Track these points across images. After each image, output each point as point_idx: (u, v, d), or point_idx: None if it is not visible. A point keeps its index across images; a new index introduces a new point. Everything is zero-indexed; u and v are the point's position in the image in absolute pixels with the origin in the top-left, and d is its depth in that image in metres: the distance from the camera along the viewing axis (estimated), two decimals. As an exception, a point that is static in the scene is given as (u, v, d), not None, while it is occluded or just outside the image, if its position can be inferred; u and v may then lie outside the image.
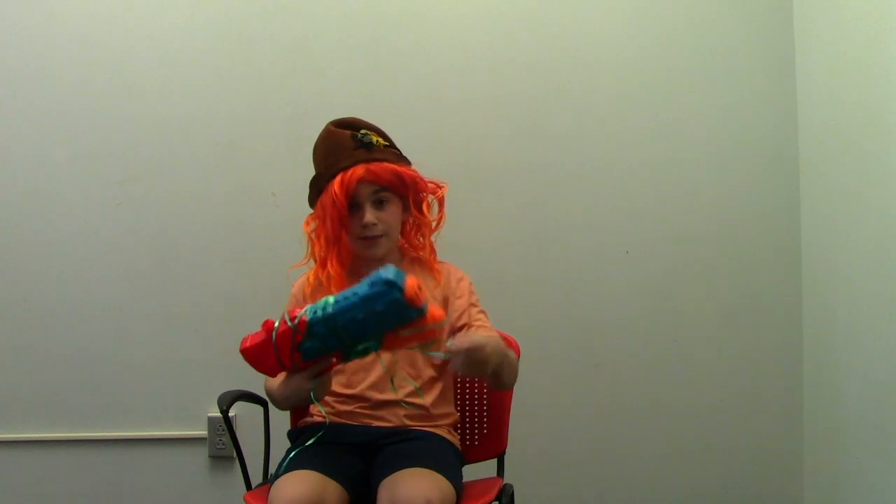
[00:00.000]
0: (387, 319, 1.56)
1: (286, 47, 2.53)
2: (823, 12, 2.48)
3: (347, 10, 2.54)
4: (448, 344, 1.64)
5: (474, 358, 1.65)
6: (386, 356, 1.88)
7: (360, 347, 1.61)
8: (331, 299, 1.59)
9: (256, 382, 2.17)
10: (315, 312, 1.58)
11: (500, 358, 1.75)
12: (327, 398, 1.90)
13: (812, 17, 2.52)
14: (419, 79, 2.54)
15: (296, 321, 1.58)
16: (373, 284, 1.54)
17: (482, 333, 1.86)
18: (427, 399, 1.95)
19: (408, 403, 1.92)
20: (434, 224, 2.04)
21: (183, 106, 2.51)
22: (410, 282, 1.55)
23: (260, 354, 1.63)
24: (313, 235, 2.00)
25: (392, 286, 1.53)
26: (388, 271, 1.55)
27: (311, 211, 2.02)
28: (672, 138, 2.59)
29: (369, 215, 1.92)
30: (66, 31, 2.49)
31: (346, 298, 1.57)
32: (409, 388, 1.93)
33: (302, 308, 1.61)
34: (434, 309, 1.60)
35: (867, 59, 2.27)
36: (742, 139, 2.60)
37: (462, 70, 2.55)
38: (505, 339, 2.09)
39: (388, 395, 1.92)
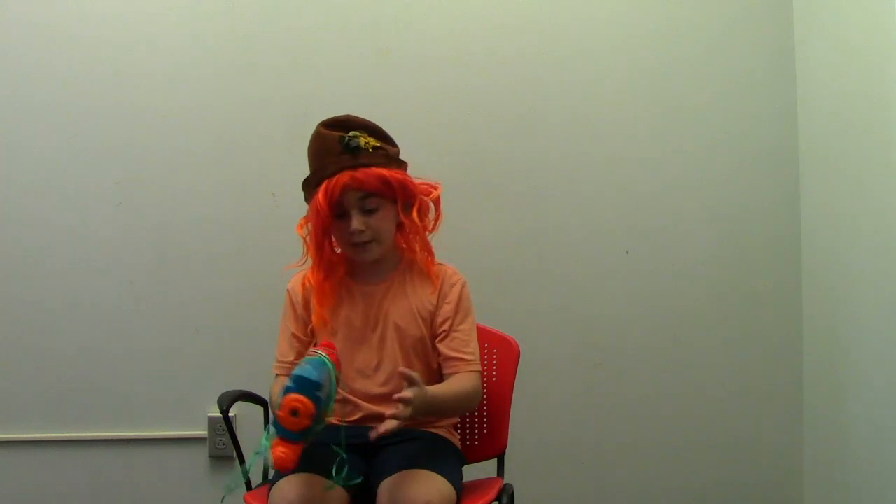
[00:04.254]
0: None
1: (286, 47, 2.52)
2: (823, 7, 2.47)
3: (348, 8, 2.53)
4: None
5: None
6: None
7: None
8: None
9: (256, 382, 2.18)
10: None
11: (427, 410, 1.75)
12: None
13: (812, 12, 2.52)
14: (419, 78, 2.54)
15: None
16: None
17: (447, 386, 1.87)
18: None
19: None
20: (431, 225, 1.98)
21: (183, 106, 2.50)
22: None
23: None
24: (307, 237, 1.97)
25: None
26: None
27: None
28: (672, 138, 2.59)
29: (356, 222, 1.86)
30: (65, 30, 2.48)
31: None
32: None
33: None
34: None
35: (867, 54, 2.27)
36: (742, 140, 2.59)
37: (462, 70, 2.54)
38: (504, 340, 2.10)
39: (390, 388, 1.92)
